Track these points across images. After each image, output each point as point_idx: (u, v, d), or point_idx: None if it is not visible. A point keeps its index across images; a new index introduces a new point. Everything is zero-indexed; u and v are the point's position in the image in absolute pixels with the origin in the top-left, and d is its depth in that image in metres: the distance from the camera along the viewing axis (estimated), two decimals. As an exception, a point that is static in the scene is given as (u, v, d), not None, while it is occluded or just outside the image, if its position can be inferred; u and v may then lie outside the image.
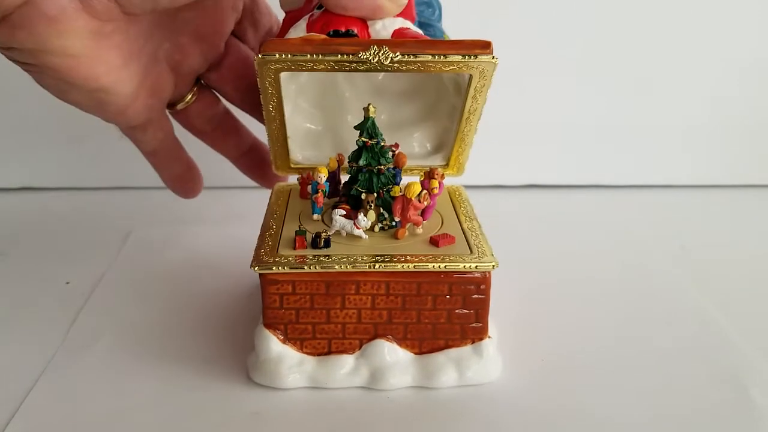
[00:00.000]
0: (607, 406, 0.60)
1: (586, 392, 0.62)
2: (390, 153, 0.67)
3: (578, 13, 1.00)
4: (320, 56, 0.58)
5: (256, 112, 0.79)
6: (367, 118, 0.65)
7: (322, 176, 0.66)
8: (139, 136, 0.72)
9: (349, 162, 0.67)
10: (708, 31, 1.02)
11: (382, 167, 0.66)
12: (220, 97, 0.78)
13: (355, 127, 0.66)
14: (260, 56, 0.59)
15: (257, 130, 0.80)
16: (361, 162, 0.65)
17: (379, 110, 0.66)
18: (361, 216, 0.63)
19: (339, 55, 0.58)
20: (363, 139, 0.65)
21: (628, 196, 1.09)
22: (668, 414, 0.59)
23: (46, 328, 0.71)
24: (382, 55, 0.57)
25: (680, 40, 1.03)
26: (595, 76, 1.04)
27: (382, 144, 0.65)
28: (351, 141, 0.70)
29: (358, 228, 0.63)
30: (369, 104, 0.65)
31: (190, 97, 0.75)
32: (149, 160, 0.77)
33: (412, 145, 0.77)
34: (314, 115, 0.77)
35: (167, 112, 0.75)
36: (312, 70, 0.60)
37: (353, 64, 0.58)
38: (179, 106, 0.75)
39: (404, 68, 0.59)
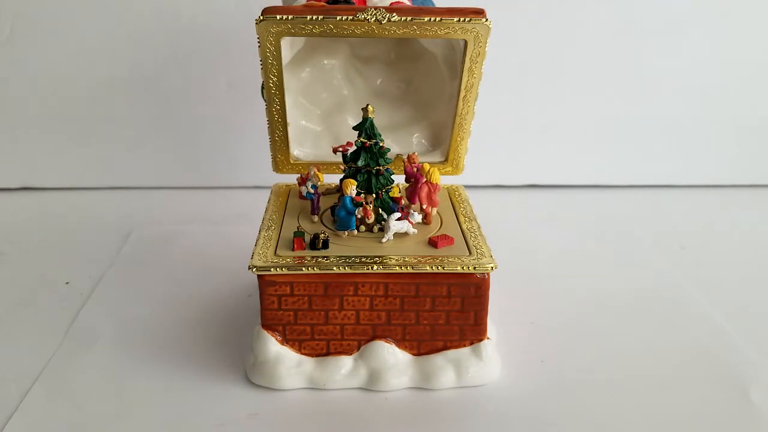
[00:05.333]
0: (607, 406, 0.60)
1: (586, 393, 0.62)
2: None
3: (578, 13, 1.00)
4: (320, 18, 0.60)
5: None
6: (365, 118, 0.65)
7: (354, 188, 0.64)
8: None
9: (347, 163, 0.67)
10: (708, 30, 1.02)
11: (380, 168, 0.66)
12: None
13: (354, 128, 0.66)
14: (261, 18, 0.60)
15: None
16: (360, 163, 0.65)
17: (378, 111, 0.67)
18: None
19: (338, 17, 0.60)
20: (362, 139, 0.65)
21: (628, 196, 1.09)
22: (668, 414, 0.59)
23: (46, 328, 0.71)
24: (380, 15, 0.60)
25: (680, 38, 1.02)
26: (596, 75, 1.04)
27: (381, 145, 0.65)
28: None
29: (412, 224, 0.64)
30: (368, 105, 0.65)
31: None
32: None
33: (411, 143, 0.77)
34: (313, 112, 0.77)
35: None
36: (311, 34, 0.62)
37: (351, 28, 0.61)
38: None
39: (401, 31, 0.61)
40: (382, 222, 0.65)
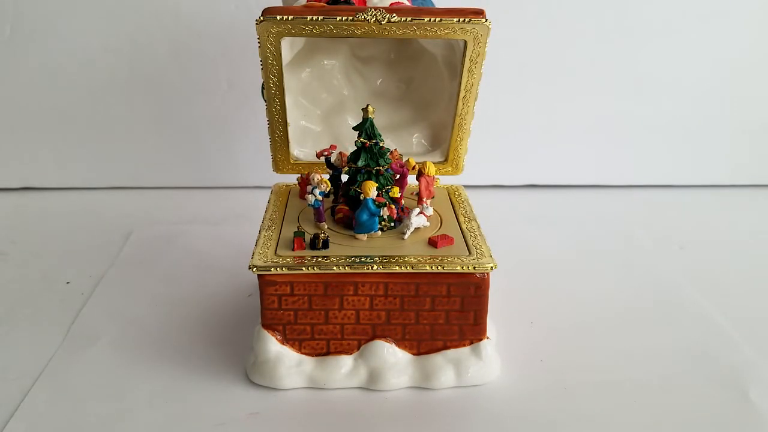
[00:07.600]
0: (607, 406, 0.60)
1: (586, 392, 0.62)
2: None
3: (577, 13, 1.00)
4: (320, 18, 0.61)
5: None
6: (365, 118, 0.65)
7: (375, 190, 0.63)
8: None
9: (347, 163, 0.67)
10: (708, 30, 1.02)
11: (381, 168, 0.66)
12: None
13: (354, 128, 0.66)
14: (261, 18, 0.60)
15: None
16: (360, 163, 0.65)
17: (378, 112, 0.67)
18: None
19: (338, 18, 0.61)
20: (362, 140, 0.65)
21: (628, 196, 1.09)
22: (668, 414, 0.59)
23: (46, 328, 0.71)
24: (380, 15, 0.60)
25: (680, 39, 1.02)
26: (595, 75, 1.04)
27: (381, 145, 0.65)
28: (349, 141, 0.70)
29: (426, 216, 0.65)
30: (368, 105, 0.65)
31: None
32: None
33: (411, 143, 0.77)
34: (313, 112, 0.77)
35: None
36: (311, 35, 0.62)
37: (351, 28, 0.61)
38: None
39: (400, 32, 0.62)
40: (382, 222, 0.65)
